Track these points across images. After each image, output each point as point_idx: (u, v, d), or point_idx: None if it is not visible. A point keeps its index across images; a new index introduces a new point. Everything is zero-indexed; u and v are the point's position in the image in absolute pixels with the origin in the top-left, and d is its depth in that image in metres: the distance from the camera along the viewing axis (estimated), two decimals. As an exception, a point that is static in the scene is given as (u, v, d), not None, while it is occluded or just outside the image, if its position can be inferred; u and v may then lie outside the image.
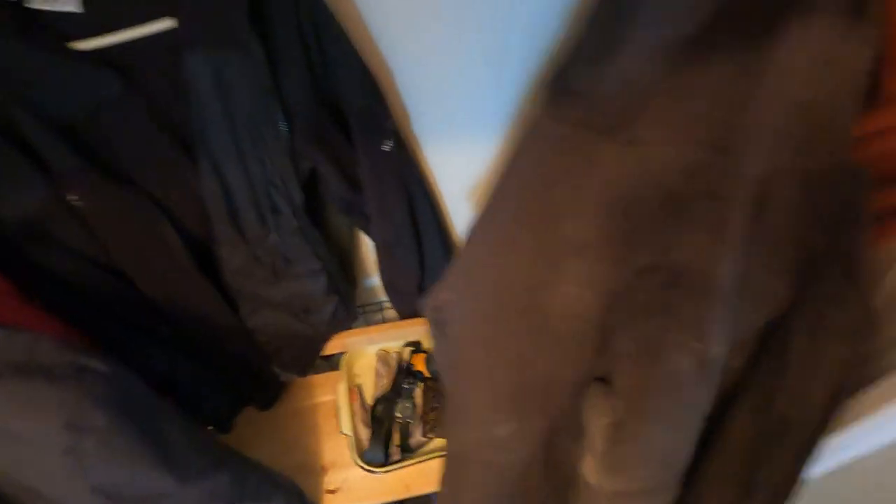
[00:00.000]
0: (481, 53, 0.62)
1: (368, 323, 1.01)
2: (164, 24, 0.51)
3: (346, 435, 0.87)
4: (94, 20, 0.49)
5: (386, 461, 0.86)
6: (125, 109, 0.56)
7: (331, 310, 0.83)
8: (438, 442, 0.89)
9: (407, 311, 0.93)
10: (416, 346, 0.99)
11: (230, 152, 0.59)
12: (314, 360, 0.90)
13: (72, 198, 0.58)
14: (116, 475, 0.48)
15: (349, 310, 0.87)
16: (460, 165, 0.79)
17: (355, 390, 0.94)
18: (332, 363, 1.02)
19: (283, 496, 0.71)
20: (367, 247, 0.91)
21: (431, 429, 0.90)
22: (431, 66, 0.64)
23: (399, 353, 0.99)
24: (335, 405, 0.93)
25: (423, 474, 0.86)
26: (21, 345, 0.46)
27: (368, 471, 0.84)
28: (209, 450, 0.62)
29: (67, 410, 0.46)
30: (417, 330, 0.92)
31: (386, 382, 0.95)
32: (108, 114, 0.55)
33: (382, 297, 0.98)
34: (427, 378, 0.95)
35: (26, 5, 0.48)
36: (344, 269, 0.86)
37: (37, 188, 0.56)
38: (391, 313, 0.99)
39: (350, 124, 0.64)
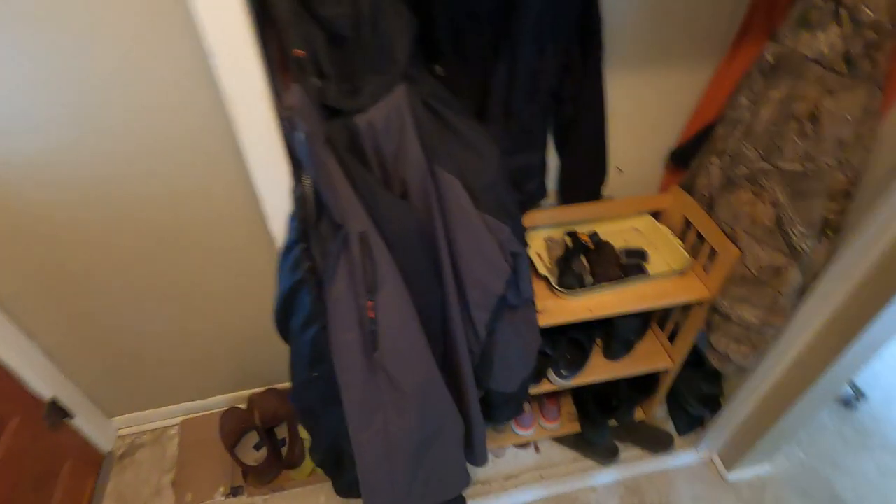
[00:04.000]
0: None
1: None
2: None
3: (543, 276, 1.22)
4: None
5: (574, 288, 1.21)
6: (476, 20, 0.98)
7: (536, 182, 1.22)
8: (606, 285, 1.23)
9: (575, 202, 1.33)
10: (573, 233, 1.36)
11: (529, 47, 1.00)
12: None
13: (438, 69, 0.99)
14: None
15: (544, 187, 1.26)
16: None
17: (538, 255, 1.30)
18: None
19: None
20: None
21: (596, 278, 1.25)
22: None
23: (562, 237, 1.36)
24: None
25: (600, 302, 1.20)
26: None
27: (563, 293, 1.19)
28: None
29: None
30: (577, 216, 1.31)
31: (557, 253, 1.32)
32: (468, 22, 0.98)
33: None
34: (590, 249, 1.31)
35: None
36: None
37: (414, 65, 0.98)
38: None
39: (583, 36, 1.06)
